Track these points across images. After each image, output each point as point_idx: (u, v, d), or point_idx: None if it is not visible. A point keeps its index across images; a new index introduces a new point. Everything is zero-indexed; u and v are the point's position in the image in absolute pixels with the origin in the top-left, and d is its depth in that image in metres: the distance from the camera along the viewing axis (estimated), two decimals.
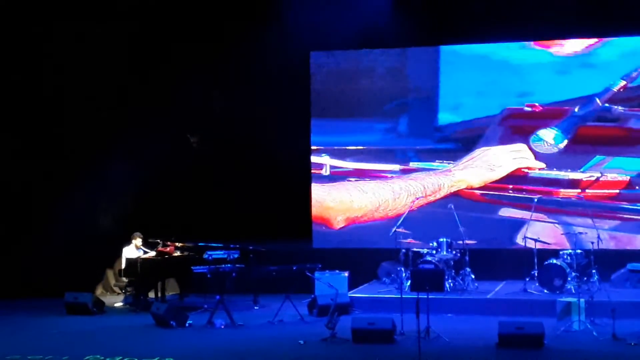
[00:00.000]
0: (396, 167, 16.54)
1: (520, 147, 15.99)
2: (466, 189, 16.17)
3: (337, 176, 16.75)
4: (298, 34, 15.64)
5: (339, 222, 16.71)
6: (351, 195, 16.65)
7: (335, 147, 16.78)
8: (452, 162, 16.28)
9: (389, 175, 16.52)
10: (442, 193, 16.21)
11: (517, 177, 15.98)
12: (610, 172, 15.64)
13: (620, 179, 15.59)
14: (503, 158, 16.05)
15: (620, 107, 15.59)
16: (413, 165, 16.47)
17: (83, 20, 15.95)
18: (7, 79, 16.05)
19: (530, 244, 14.41)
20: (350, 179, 16.65)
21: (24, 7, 15.82)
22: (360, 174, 16.65)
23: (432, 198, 16.15)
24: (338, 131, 16.73)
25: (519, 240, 15.28)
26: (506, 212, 15.96)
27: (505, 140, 16.11)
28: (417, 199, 15.79)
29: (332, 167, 16.76)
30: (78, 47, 16.12)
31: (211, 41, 16.39)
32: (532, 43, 15.90)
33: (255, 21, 16.01)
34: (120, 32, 16.17)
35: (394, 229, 14.68)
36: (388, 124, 16.67)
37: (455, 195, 16.07)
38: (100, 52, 16.24)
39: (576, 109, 15.76)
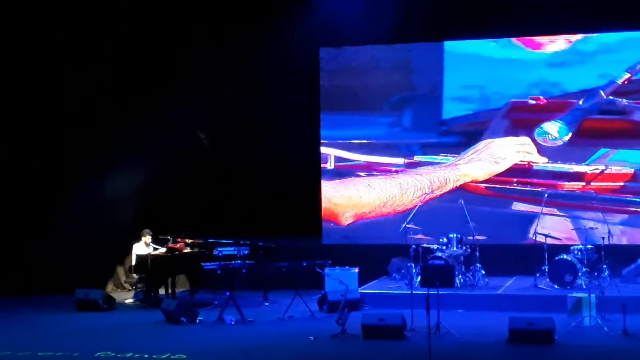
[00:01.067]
0: (400, 160, 16.50)
1: (524, 140, 15.95)
2: (471, 182, 16.13)
3: (342, 170, 16.70)
4: (307, 30, 15.63)
5: (347, 219, 16.66)
6: (359, 191, 16.61)
7: (340, 141, 16.72)
8: (456, 155, 16.25)
9: (394, 169, 16.49)
10: (448, 187, 16.17)
11: (521, 171, 15.95)
12: (614, 164, 15.60)
13: (624, 171, 15.54)
14: (507, 150, 16.01)
15: (624, 100, 15.51)
16: (417, 158, 16.44)
17: (87, 20, 15.99)
18: (9, 78, 16.08)
19: (541, 240, 14.36)
20: (358, 173, 16.59)
21: (27, 8, 15.86)
22: (365, 168, 16.61)
23: (438, 192, 16.11)
24: (342, 125, 16.69)
25: (530, 235, 15.16)
26: (517, 207, 15.93)
27: (509, 133, 16.07)
28: (426, 194, 15.75)
29: (336, 159, 16.70)
30: (80, 47, 16.15)
31: (221, 39, 16.40)
32: (535, 38, 15.85)
33: (264, 19, 16.00)
34: (133, 29, 16.27)
35: (404, 225, 14.67)
36: (392, 117, 16.63)
37: (461, 190, 16.00)
38: (102, 51, 16.28)
39: (580, 102, 15.70)
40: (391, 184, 16.46)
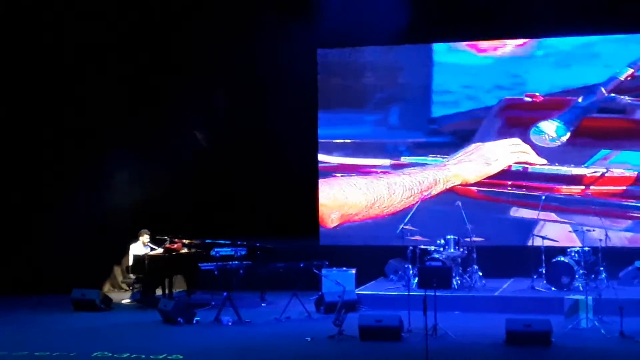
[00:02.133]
0: (387, 161, 16.05)
1: (518, 142, 15.46)
2: (461, 184, 15.70)
3: (325, 171, 16.36)
4: (305, 31, 15.61)
5: (333, 221, 16.27)
6: (345, 192, 16.15)
7: (322, 140, 16.41)
8: (446, 156, 15.77)
9: (379, 170, 16.05)
10: (438, 188, 15.73)
11: (516, 173, 15.44)
12: (616, 167, 15.06)
13: (626, 174, 15.01)
14: (500, 152, 15.52)
15: (627, 97, 14.90)
16: (404, 160, 15.99)
17: (88, 20, 16.01)
18: (13, 75, 16.08)
19: (538, 242, 14.32)
20: (337, 175, 16.26)
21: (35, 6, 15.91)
22: (349, 169, 16.19)
23: (427, 194, 15.59)
24: (326, 124, 16.39)
25: (527, 238, 14.98)
26: (513, 210, 15.57)
27: (503, 132, 15.53)
28: (422, 194, 15.47)
29: (319, 162, 16.43)
30: (82, 46, 16.16)
31: (219, 40, 16.41)
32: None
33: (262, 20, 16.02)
34: (132, 30, 16.29)
35: (401, 226, 14.63)
36: (378, 115, 16.17)
37: (454, 193, 15.62)
38: (103, 50, 16.29)
39: (579, 99, 15.12)
40: (378, 184, 15.99)
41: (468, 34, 15.74)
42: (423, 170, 15.90)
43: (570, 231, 14.91)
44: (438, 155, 15.88)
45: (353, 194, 16.17)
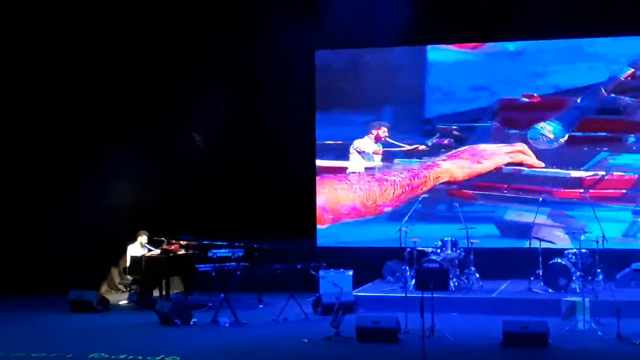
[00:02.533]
0: (380, 164, 15.96)
1: (513, 145, 15.37)
2: (449, 180, 15.56)
3: (319, 173, 16.30)
4: (303, 33, 15.62)
5: (326, 220, 16.27)
6: (337, 190, 16.12)
7: (318, 142, 16.34)
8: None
9: (374, 172, 15.99)
10: (428, 185, 15.63)
11: (513, 176, 15.32)
12: (616, 169, 14.95)
13: (627, 177, 14.89)
14: (492, 152, 15.34)
15: (627, 98, 14.71)
16: (397, 162, 15.89)
17: (88, 19, 16.03)
18: (13, 75, 16.09)
19: (535, 244, 14.32)
20: (332, 175, 16.17)
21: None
22: (343, 171, 16.11)
23: (419, 191, 15.56)
24: (322, 125, 16.30)
25: (525, 240, 14.97)
26: (510, 212, 15.49)
27: (499, 134, 15.37)
28: (414, 190, 15.32)
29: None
30: (82, 46, 16.18)
31: (218, 41, 16.43)
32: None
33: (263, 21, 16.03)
34: (133, 31, 16.30)
35: (399, 228, 14.62)
36: (371, 117, 16.10)
37: (452, 195, 15.60)
38: (103, 50, 16.31)
39: (578, 100, 14.94)
40: (370, 183, 15.92)
41: (464, 35, 15.71)
42: (413, 168, 15.83)
43: (566, 233, 14.91)
44: (433, 157, 15.80)
45: (345, 193, 16.14)
